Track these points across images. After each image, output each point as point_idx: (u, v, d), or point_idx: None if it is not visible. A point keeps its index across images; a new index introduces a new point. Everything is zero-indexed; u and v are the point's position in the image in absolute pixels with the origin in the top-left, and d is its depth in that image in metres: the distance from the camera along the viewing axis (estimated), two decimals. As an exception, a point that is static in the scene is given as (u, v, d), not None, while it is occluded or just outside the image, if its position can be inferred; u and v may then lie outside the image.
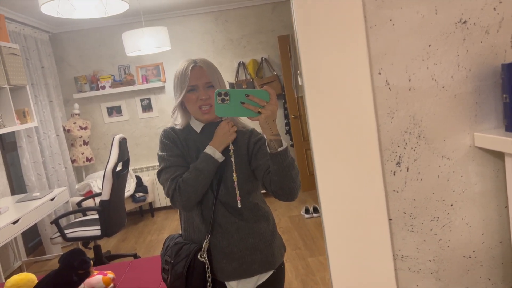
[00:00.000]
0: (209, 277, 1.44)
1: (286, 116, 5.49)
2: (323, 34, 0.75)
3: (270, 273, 1.51)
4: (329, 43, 0.76)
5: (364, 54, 0.76)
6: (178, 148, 1.48)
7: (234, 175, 1.43)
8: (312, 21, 0.75)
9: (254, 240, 1.48)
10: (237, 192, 1.43)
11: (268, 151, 1.32)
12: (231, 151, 1.44)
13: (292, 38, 5.29)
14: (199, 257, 1.44)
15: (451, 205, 0.82)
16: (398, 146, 0.80)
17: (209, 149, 1.41)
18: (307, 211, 4.58)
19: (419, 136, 0.81)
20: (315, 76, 0.76)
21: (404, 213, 0.82)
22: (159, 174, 1.47)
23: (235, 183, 1.43)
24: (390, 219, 0.81)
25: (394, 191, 0.81)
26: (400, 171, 0.81)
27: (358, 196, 0.79)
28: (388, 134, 0.80)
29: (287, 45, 5.31)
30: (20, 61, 3.82)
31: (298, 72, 4.80)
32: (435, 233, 0.83)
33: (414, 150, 0.81)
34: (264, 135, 1.34)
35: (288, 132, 5.48)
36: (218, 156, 1.41)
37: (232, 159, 1.43)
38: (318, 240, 3.91)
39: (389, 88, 0.79)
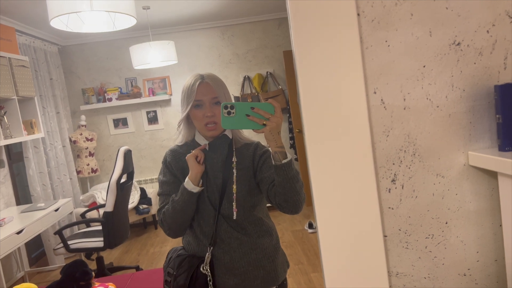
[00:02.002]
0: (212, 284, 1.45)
1: (291, 130, 5.52)
2: (320, 54, 0.78)
3: None
4: (326, 63, 0.78)
5: (360, 74, 0.78)
6: (173, 173, 1.52)
7: (234, 187, 1.44)
8: (309, 41, 0.77)
9: (257, 255, 1.48)
10: (234, 204, 1.44)
11: (273, 162, 1.33)
12: (234, 163, 1.46)
13: (297, 53, 5.33)
14: (201, 269, 1.45)
15: (446, 223, 0.83)
16: (393, 164, 0.82)
17: (185, 182, 1.45)
18: (310, 225, 4.57)
19: (414, 154, 0.82)
20: (311, 94, 0.78)
21: (399, 230, 0.83)
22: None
23: (234, 194, 1.44)
24: (385, 236, 0.82)
25: (389, 208, 0.82)
26: (395, 188, 0.82)
27: (354, 212, 0.80)
28: (383, 152, 0.82)
29: (292, 60, 5.36)
30: (29, 73, 3.90)
31: (302, 86, 4.83)
32: (430, 250, 0.83)
33: (409, 168, 0.82)
34: (269, 148, 1.36)
35: (292, 146, 5.50)
36: (191, 187, 1.43)
37: (234, 171, 1.45)
38: (321, 255, 3.89)
39: (384, 107, 0.81)
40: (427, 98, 0.81)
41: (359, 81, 0.78)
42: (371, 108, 0.80)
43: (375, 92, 0.81)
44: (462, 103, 0.81)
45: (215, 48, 5.51)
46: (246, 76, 5.50)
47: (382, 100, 0.81)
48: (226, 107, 1.17)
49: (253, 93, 5.47)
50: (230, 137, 1.52)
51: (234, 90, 5.50)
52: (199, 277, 1.45)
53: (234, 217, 1.45)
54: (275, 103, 1.24)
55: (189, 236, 1.55)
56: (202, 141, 1.52)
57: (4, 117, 3.58)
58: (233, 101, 5.03)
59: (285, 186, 1.34)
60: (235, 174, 1.45)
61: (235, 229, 1.46)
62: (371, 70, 0.80)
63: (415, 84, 0.81)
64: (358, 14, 0.79)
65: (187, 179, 1.45)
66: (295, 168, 1.35)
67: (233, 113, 1.17)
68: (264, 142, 1.45)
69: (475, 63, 0.81)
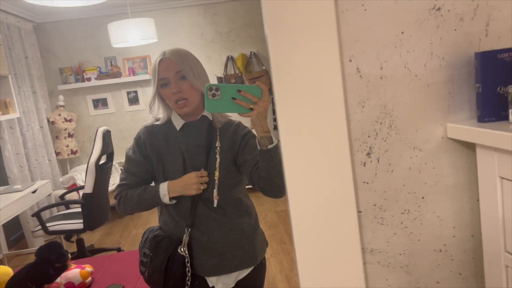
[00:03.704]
0: (188, 271, 1.41)
1: (274, 111, 5.46)
2: (292, 18, 0.72)
3: (250, 268, 1.49)
4: (298, 28, 0.73)
5: (334, 40, 0.73)
6: (144, 153, 1.46)
7: (217, 173, 1.40)
8: (280, 4, 0.72)
9: (236, 236, 1.45)
10: (215, 191, 1.41)
11: (258, 147, 1.29)
12: (218, 148, 1.41)
13: (281, 32, 5.25)
14: (179, 250, 1.41)
15: (423, 198, 0.80)
16: (369, 137, 0.78)
17: (163, 189, 1.40)
18: (293, 206, 4.57)
19: (391, 126, 0.78)
20: (282, 61, 0.73)
21: (374, 205, 0.80)
22: (119, 183, 1.51)
23: (216, 181, 1.40)
24: (359, 212, 0.79)
25: (364, 182, 0.79)
26: (371, 162, 0.79)
27: (327, 187, 0.76)
28: (358, 124, 0.77)
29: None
30: (2, 50, 3.74)
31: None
32: (405, 226, 0.81)
33: (385, 141, 0.78)
34: (253, 130, 1.31)
35: (276, 127, 5.45)
36: (166, 200, 1.41)
37: (218, 156, 1.40)
38: (303, 235, 3.90)
39: (360, 76, 0.77)
40: (405, 67, 0.77)
41: (334, 47, 0.73)
42: (346, 77, 0.76)
43: (350, 60, 0.76)
44: (442, 72, 0.77)
45: (197, 27, 5.37)
46: (230, 56, 5.40)
47: (357, 68, 0.76)
48: (210, 89, 1.10)
49: (236, 74, 5.38)
50: (210, 118, 1.46)
51: (217, 70, 5.40)
52: (176, 258, 1.41)
53: (215, 205, 1.41)
54: (263, 86, 1.18)
55: (165, 216, 1.50)
56: (178, 121, 1.45)
57: (-24, 96, 3.44)
58: (216, 81, 4.95)
59: (270, 171, 1.30)
60: (218, 160, 1.40)
61: (213, 210, 1.43)
62: (346, 36, 0.75)
63: (392, 52, 0.76)
64: (333, -25, 0.73)
65: (165, 186, 1.40)
66: (280, 153, 1.30)
67: (218, 95, 1.11)
68: (245, 122, 1.40)
69: (455, 30, 0.77)
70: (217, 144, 1.41)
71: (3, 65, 3.73)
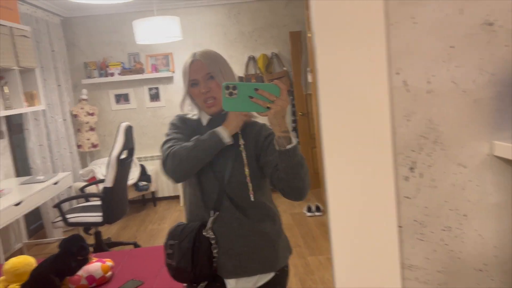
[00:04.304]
0: (216, 253, 1.42)
1: (294, 113, 5.45)
2: (340, 28, 0.72)
3: (271, 275, 1.47)
4: (346, 38, 0.72)
5: (383, 52, 0.73)
6: (186, 129, 1.49)
7: (247, 170, 1.40)
8: (330, 14, 0.71)
9: (256, 238, 1.44)
10: (250, 186, 1.41)
11: (277, 148, 1.28)
12: (242, 146, 1.41)
13: (304, 34, 5.23)
14: (204, 233, 1.42)
15: (465, 215, 0.79)
16: (413, 151, 0.77)
17: (218, 128, 1.38)
18: (309, 209, 4.56)
19: (436, 142, 0.77)
20: (329, 72, 0.73)
21: (415, 220, 0.78)
22: (161, 147, 1.46)
23: (248, 177, 1.40)
24: (400, 226, 0.78)
25: (406, 197, 0.78)
26: (414, 177, 0.77)
27: (368, 200, 0.76)
28: (403, 138, 0.76)
29: (298, 41, 5.26)
30: (30, 43, 3.81)
31: (308, 69, 4.75)
32: (446, 243, 0.79)
33: (430, 156, 0.77)
34: (274, 132, 1.31)
35: (294, 129, 5.44)
36: (224, 135, 1.36)
37: (244, 154, 1.41)
38: (319, 239, 3.89)
39: (407, 89, 0.76)
40: (452, 82, 0.76)
41: (382, 60, 0.72)
42: (392, 90, 0.75)
43: (398, 73, 0.75)
44: (490, 89, 0.76)
45: (220, 26, 5.39)
46: (251, 56, 5.40)
47: (404, 81, 0.75)
48: (228, 88, 1.10)
49: (257, 74, 5.38)
50: None
51: (238, 69, 5.41)
52: (202, 240, 1.41)
53: (252, 199, 1.41)
54: (281, 84, 1.16)
55: (188, 207, 1.53)
56: (204, 116, 1.50)
57: (4, 87, 3.51)
58: (236, 79, 4.96)
59: (289, 172, 1.28)
60: (245, 156, 1.41)
61: (236, 208, 1.43)
62: (395, 48, 0.74)
63: (441, 66, 0.75)
64: (385, -13, 0.72)
65: (220, 129, 1.38)
66: (300, 154, 1.29)
67: (235, 94, 1.10)
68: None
69: (506, 46, 0.75)
70: (240, 142, 1.42)
71: (31, 58, 3.81)
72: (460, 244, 0.79)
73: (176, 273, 1.45)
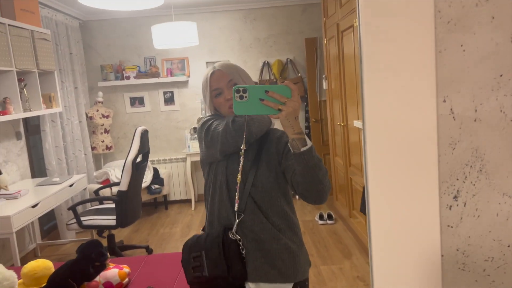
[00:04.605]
0: (245, 254, 1.40)
1: (307, 119, 5.44)
2: (390, 54, 0.71)
3: (290, 286, 1.46)
4: (395, 65, 0.71)
5: (431, 79, 0.72)
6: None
7: (239, 176, 1.40)
8: (380, 40, 0.71)
9: (277, 246, 1.43)
10: (237, 194, 1.41)
11: (292, 151, 1.25)
12: (242, 151, 1.41)
13: (319, 41, 5.22)
14: (230, 235, 1.39)
15: (508, 246, 0.77)
16: (457, 179, 0.76)
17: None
18: (321, 217, 4.53)
19: (481, 171, 0.76)
20: (377, 97, 0.72)
21: (457, 250, 0.77)
22: (206, 130, 1.45)
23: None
24: (442, 255, 0.77)
25: (449, 226, 0.77)
26: (457, 205, 0.76)
27: (411, 228, 0.75)
28: (447, 166, 0.75)
29: (314, 48, 5.25)
30: (50, 46, 3.85)
31: (323, 76, 4.74)
32: (488, 274, 0.78)
33: (474, 185, 0.76)
34: (287, 134, 1.29)
35: (307, 135, 5.42)
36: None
37: (241, 159, 1.41)
38: (331, 248, 3.86)
39: (453, 117, 0.75)
40: (501, 111, 0.74)
41: (431, 87, 0.72)
42: (439, 117, 0.74)
43: (444, 101, 0.74)
44: (539, 119, 0.75)
45: (236, 32, 5.41)
46: (266, 62, 5.40)
47: (451, 109, 0.74)
48: (238, 91, 1.08)
49: (271, 80, 5.38)
50: None
51: (252, 75, 5.41)
52: (230, 243, 1.39)
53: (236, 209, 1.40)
54: (291, 85, 1.14)
55: (210, 213, 1.51)
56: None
57: (24, 89, 3.55)
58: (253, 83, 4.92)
59: (305, 175, 1.26)
60: (241, 163, 1.40)
61: (260, 211, 1.42)
62: (442, 75, 0.73)
63: (489, 95, 0.74)
64: (435, 14, 0.71)
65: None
66: (316, 155, 1.26)
67: (245, 97, 1.08)
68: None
69: (557, 76, 0.74)
70: (243, 146, 1.40)
71: (50, 61, 3.85)
72: (502, 275, 0.78)
73: (211, 285, 1.42)
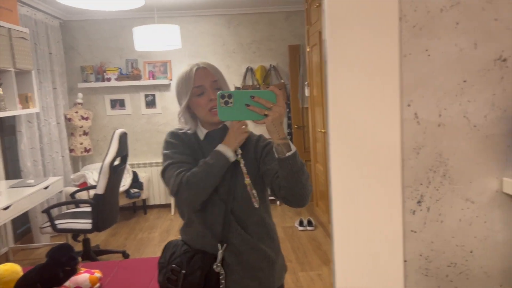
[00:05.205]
0: (223, 284, 1.37)
1: (289, 126, 5.45)
2: (354, 58, 0.71)
3: None
4: (360, 69, 0.71)
5: (396, 84, 0.72)
6: (185, 147, 1.43)
7: (247, 179, 1.36)
8: (344, 43, 0.70)
9: (257, 257, 1.41)
10: (254, 193, 1.36)
11: (276, 156, 1.25)
12: (239, 155, 1.38)
13: (302, 48, 5.25)
14: (214, 267, 1.37)
15: (471, 252, 0.77)
16: (421, 184, 0.76)
17: (221, 147, 1.35)
18: (301, 223, 4.53)
19: (444, 176, 0.76)
20: (341, 101, 0.71)
21: (420, 255, 0.77)
22: (163, 172, 1.40)
23: (248, 186, 1.36)
24: (405, 261, 0.76)
25: (412, 231, 0.76)
26: (421, 210, 0.76)
27: (374, 232, 0.74)
28: (412, 170, 0.75)
29: (297, 55, 5.28)
30: (28, 45, 3.78)
31: (305, 82, 4.76)
32: (451, 279, 0.78)
33: (438, 190, 0.76)
34: (272, 139, 1.28)
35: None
36: (230, 155, 1.33)
37: (242, 164, 1.38)
38: (310, 254, 3.85)
39: (418, 122, 0.74)
40: (464, 116, 0.75)
41: (395, 91, 0.71)
42: (403, 122, 0.74)
43: (409, 105, 0.74)
44: (502, 125, 0.75)
45: (219, 36, 5.40)
46: (249, 67, 5.41)
47: (416, 114, 0.74)
48: (223, 97, 1.07)
49: (254, 85, 5.38)
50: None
51: (236, 80, 5.41)
52: (212, 275, 1.36)
53: (256, 205, 1.37)
54: (276, 90, 1.14)
55: (192, 230, 1.46)
56: (201, 131, 1.46)
57: (0, 88, 3.47)
58: (231, 88, 4.95)
59: (290, 180, 1.26)
60: (243, 166, 1.37)
61: (238, 224, 1.40)
62: (407, 80, 0.73)
63: (453, 100, 0.74)
64: (400, 18, 0.71)
65: (221, 146, 1.34)
66: (300, 160, 1.26)
67: (231, 102, 1.07)
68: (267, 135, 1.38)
69: (519, 83, 0.74)
70: (238, 151, 1.38)
71: (28, 60, 3.77)
72: (465, 281, 0.78)
73: None
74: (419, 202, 0.76)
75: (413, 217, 0.76)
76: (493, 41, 0.73)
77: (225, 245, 1.38)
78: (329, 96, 0.71)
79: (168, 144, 1.45)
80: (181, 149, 1.42)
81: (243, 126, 1.37)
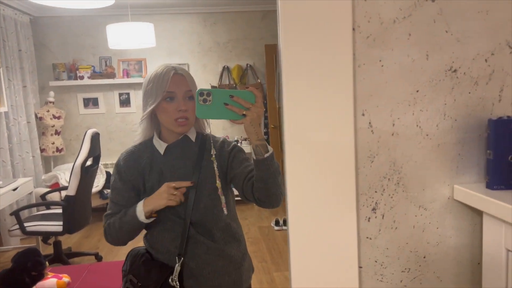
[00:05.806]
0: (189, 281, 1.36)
1: (266, 125, 5.46)
2: (309, 67, 0.71)
3: None
4: (314, 78, 0.72)
5: (349, 93, 0.72)
6: (124, 180, 1.40)
7: (218, 182, 1.35)
8: (299, 52, 0.71)
9: (223, 262, 1.40)
10: (222, 199, 1.35)
11: (254, 157, 1.24)
12: (213, 156, 1.36)
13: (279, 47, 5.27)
14: (170, 281, 1.34)
15: (424, 257, 0.79)
16: (376, 192, 0.77)
17: (139, 205, 1.34)
18: (277, 223, 4.55)
19: (398, 183, 0.77)
20: (296, 110, 0.72)
21: (376, 261, 0.78)
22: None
23: (219, 190, 1.35)
24: (360, 267, 0.78)
25: (367, 237, 0.78)
26: (375, 217, 0.77)
27: (330, 239, 0.75)
28: (366, 178, 0.76)
29: (273, 55, 5.29)
30: (-5, 42, 3.66)
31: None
32: (405, 284, 0.79)
33: (392, 197, 0.77)
34: (249, 140, 1.26)
35: (266, 141, 5.44)
36: (142, 219, 1.33)
37: (215, 165, 1.36)
38: (285, 254, 3.88)
39: (372, 131, 0.76)
40: (417, 125, 0.76)
41: (348, 100, 0.72)
42: (357, 131, 0.75)
43: (363, 114, 0.75)
44: (453, 134, 0.77)
45: (195, 35, 5.36)
46: (226, 66, 5.39)
47: (370, 123, 0.75)
48: (202, 94, 1.06)
49: (231, 84, 5.37)
50: (192, 137, 1.42)
51: (212, 79, 5.38)
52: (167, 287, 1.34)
53: (225, 212, 1.36)
54: (255, 91, 1.13)
55: (152, 239, 1.44)
56: (160, 144, 1.40)
57: (-36, 87, 3.35)
58: (207, 87, 4.96)
59: (267, 181, 1.25)
60: (216, 168, 1.35)
61: (202, 234, 1.38)
62: (361, 90, 0.74)
63: (406, 109, 0.76)
64: (354, 29, 0.72)
65: (141, 203, 1.33)
66: (276, 161, 1.27)
67: (209, 100, 1.06)
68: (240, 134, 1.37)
69: (469, 93, 0.77)
70: (212, 151, 1.37)
71: (-5, 58, 3.65)
72: (418, 286, 0.80)
73: None
74: (374, 209, 0.77)
75: (368, 224, 0.77)
76: (444, 52, 0.75)
77: (182, 258, 1.36)
78: (283, 105, 0.72)
79: (116, 168, 1.43)
80: (126, 177, 1.39)
81: (174, 194, 1.31)
